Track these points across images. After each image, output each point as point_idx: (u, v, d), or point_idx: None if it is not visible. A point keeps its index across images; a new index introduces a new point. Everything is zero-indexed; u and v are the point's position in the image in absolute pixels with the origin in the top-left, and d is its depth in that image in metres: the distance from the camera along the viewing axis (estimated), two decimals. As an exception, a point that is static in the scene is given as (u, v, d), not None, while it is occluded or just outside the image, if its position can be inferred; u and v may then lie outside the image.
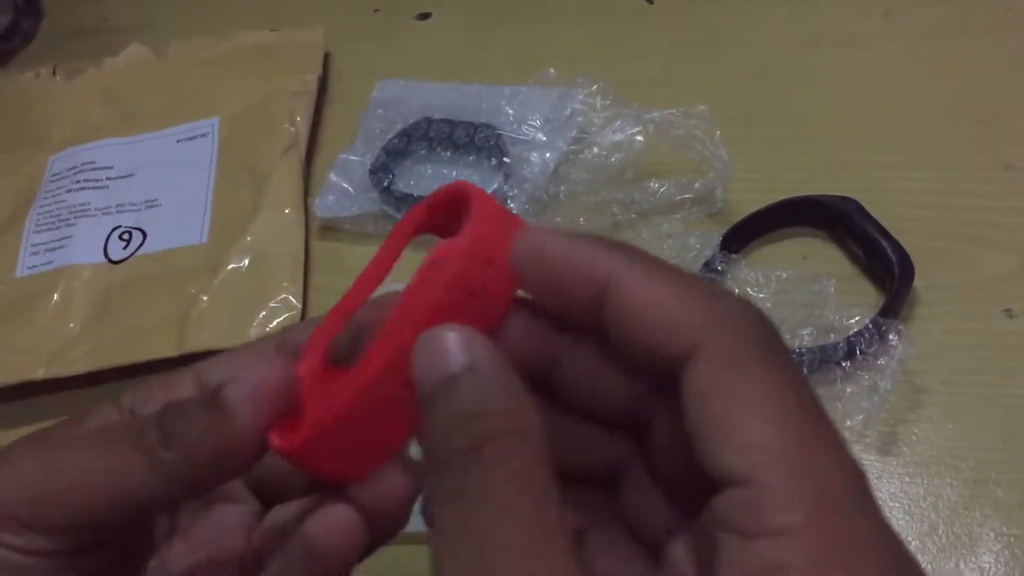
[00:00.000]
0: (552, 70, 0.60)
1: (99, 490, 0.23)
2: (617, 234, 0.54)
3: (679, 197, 0.54)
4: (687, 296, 0.21)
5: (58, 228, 0.61)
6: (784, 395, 0.20)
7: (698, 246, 0.51)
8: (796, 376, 0.21)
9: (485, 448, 0.20)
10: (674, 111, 0.54)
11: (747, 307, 0.22)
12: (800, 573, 0.18)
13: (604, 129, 0.56)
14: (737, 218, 0.53)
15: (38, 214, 0.62)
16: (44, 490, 0.24)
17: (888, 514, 0.41)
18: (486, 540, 0.19)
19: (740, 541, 0.19)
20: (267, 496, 0.29)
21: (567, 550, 0.19)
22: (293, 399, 0.24)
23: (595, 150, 0.55)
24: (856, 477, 0.20)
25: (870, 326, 0.46)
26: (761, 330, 0.21)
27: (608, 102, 0.57)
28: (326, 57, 0.69)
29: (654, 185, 0.54)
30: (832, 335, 0.47)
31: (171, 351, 0.53)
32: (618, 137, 0.55)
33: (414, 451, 0.24)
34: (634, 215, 0.54)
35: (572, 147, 0.57)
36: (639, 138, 0.55)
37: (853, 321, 0.47)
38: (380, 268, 0.25)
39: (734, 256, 0.51)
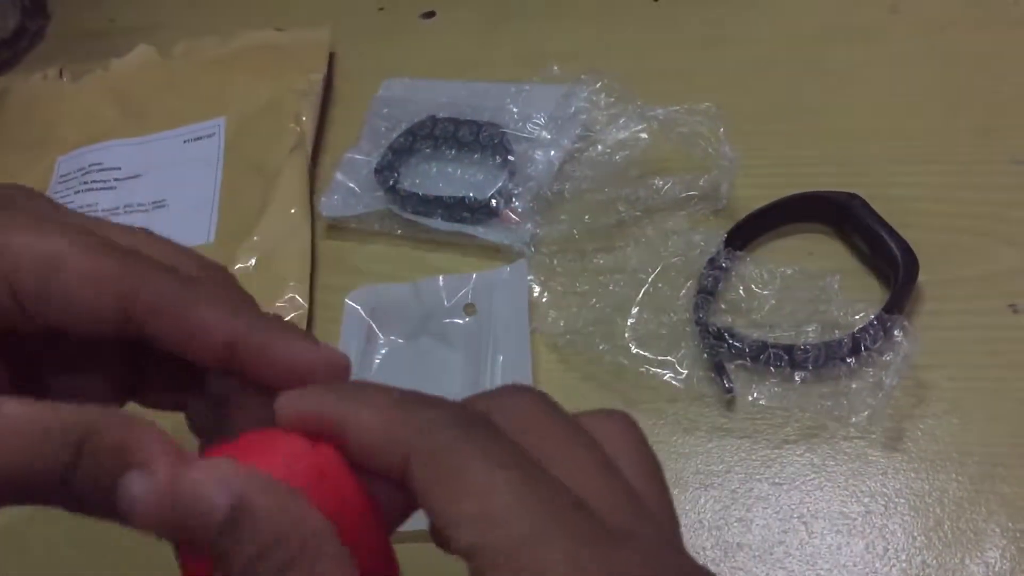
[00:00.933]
0: (556, 67, 0.60)
1: None
2: (622, 231, 0.54)
3: (684, 194, 0.54)
4: (392, 418, 0.23)
5: (67, 229, 0.61)
6: (493, 472, 0.21)
7: (703, 243, 0.51)
8: (503, 454, 0.22)
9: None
10: (678, 108, 0.54)
11: (443, 410, 0.23)
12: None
13: (608, 126, 0.56)
14: (742, 215, 0.53)
15: (47, 215, 0.62)
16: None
17: (894, 510, 0.41)
18: None
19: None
20: None
21: None
22: None
23: (600, 148, 0.55)
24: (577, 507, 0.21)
25: (875, 322, 0.46)
26: (461, 421, 0.22)
27: (612, 99, 0.57)
28: (331, 56, 0.69)
29: (659, 182, 0.54)
30: (837, 331, 0.47)
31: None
32: (623, 134, 0.55)
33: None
34: (639, 212, 0.54)
35: (577, 145, 0.57)
36: (644, 135, 0.55)
37: (858, 317, 0.47)
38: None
39: (739, 253, 0.51)
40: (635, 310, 0.50)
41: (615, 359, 0.49)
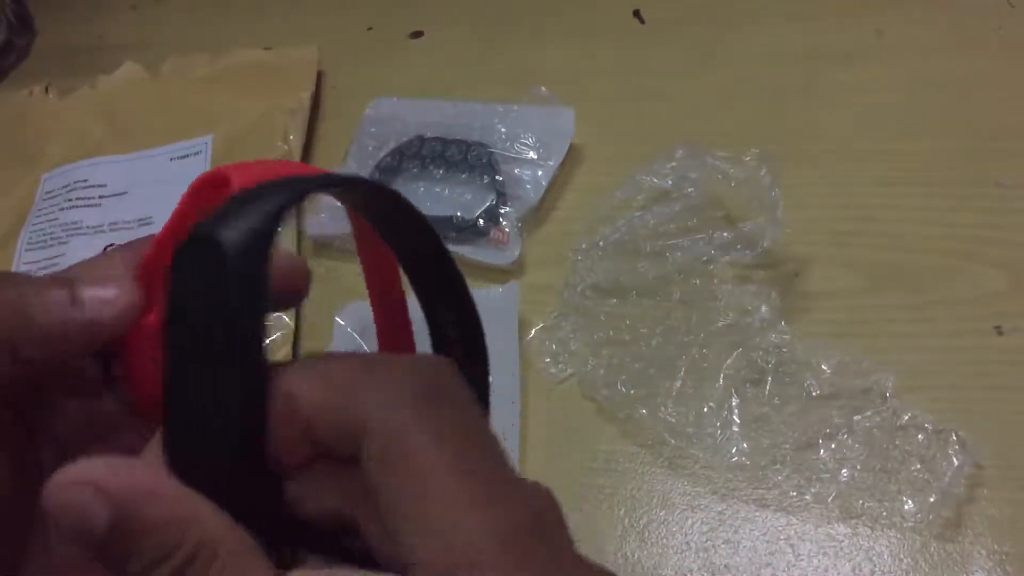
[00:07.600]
0: (544, 88, 0.60)
1: None
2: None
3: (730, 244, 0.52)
4: (346, 395, 0.21)
5: (51, 246, 0.61)
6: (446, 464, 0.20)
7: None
8: (461, 431, 0.21)
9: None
10: (726, 154, 0.53)
11: (405, 377, 0.21)
12: None
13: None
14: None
15: (31, 232, 0.62)
16: None
17: (881, 532, 0.41)
18: None
19: None
20: None
21: None
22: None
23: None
24: (538, 513, 0.21)
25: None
26: (423, 390, 0.21)
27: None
28: (319, 75, 0.70)
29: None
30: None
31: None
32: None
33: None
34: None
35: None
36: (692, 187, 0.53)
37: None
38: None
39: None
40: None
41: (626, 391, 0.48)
